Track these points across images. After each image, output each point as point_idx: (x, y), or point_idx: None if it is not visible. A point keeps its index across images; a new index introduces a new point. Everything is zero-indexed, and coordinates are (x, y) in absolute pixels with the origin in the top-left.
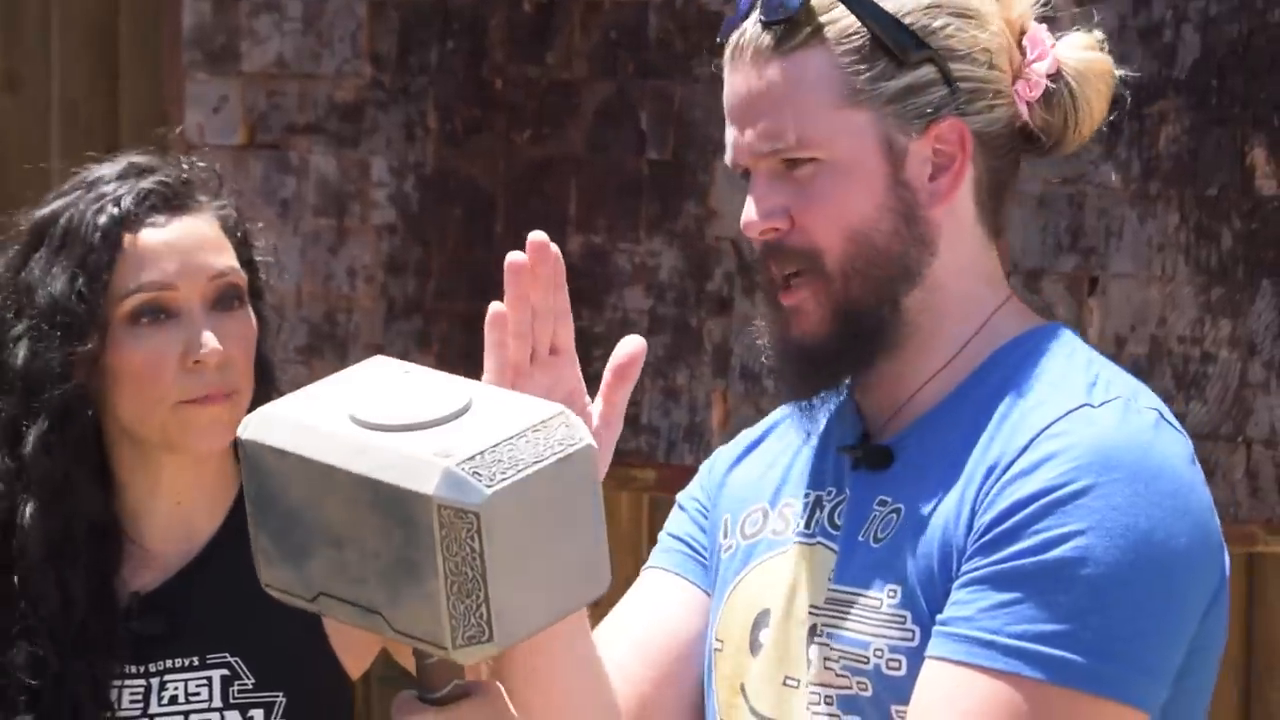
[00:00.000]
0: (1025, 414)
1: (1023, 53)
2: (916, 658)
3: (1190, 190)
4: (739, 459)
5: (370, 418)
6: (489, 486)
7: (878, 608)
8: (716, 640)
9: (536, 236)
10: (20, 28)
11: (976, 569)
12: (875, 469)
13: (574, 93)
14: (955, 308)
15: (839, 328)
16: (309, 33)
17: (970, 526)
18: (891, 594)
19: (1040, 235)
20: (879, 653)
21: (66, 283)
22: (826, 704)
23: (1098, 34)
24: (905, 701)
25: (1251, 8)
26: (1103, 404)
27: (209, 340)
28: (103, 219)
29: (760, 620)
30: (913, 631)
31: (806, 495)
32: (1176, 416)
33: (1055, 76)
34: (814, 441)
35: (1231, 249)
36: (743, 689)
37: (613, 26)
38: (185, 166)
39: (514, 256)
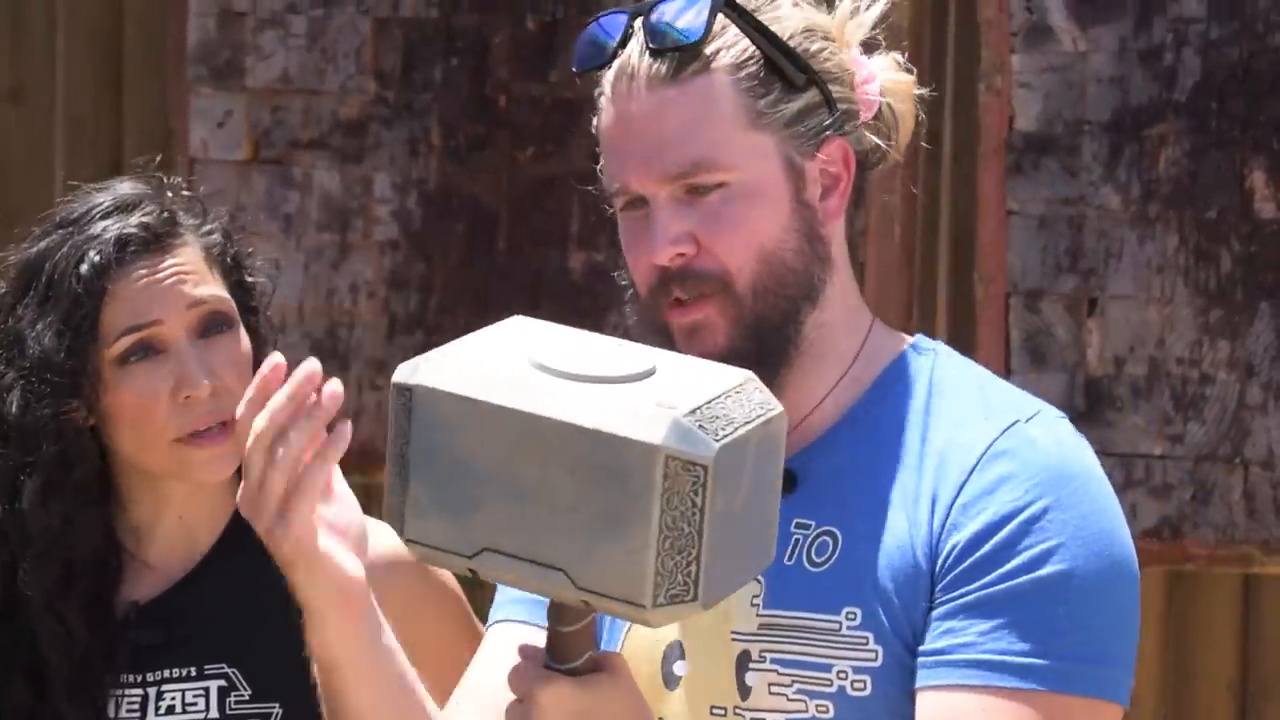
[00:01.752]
0: (953, 434)
1: None
2: (881, 677)
3: (1190, 212)
4: None
5: (560, 366)
6: (716, 440)
7: (836, 630)
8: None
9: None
10: (25, 40)
11: (964, 595)
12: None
13: (577, 110)
14: (842, 324)
15: (744, 345)
16: (313, 49)
17: (933, 551)
18: (851, 616)
19: (1040, 256)
20: (842, 674)
21: (54, 339)
22: None
23: (896, 55)
24: None
25: (1252, 31)
26: (1030, 419)
27: (199, 378)
28: (84, 268)
29: (670, 653)
30: (876, 652)
31: None
32: (1175, 437)
33: (880, 97)
34: None
35: (1230, 271)
36: None
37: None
38: (169, 195)
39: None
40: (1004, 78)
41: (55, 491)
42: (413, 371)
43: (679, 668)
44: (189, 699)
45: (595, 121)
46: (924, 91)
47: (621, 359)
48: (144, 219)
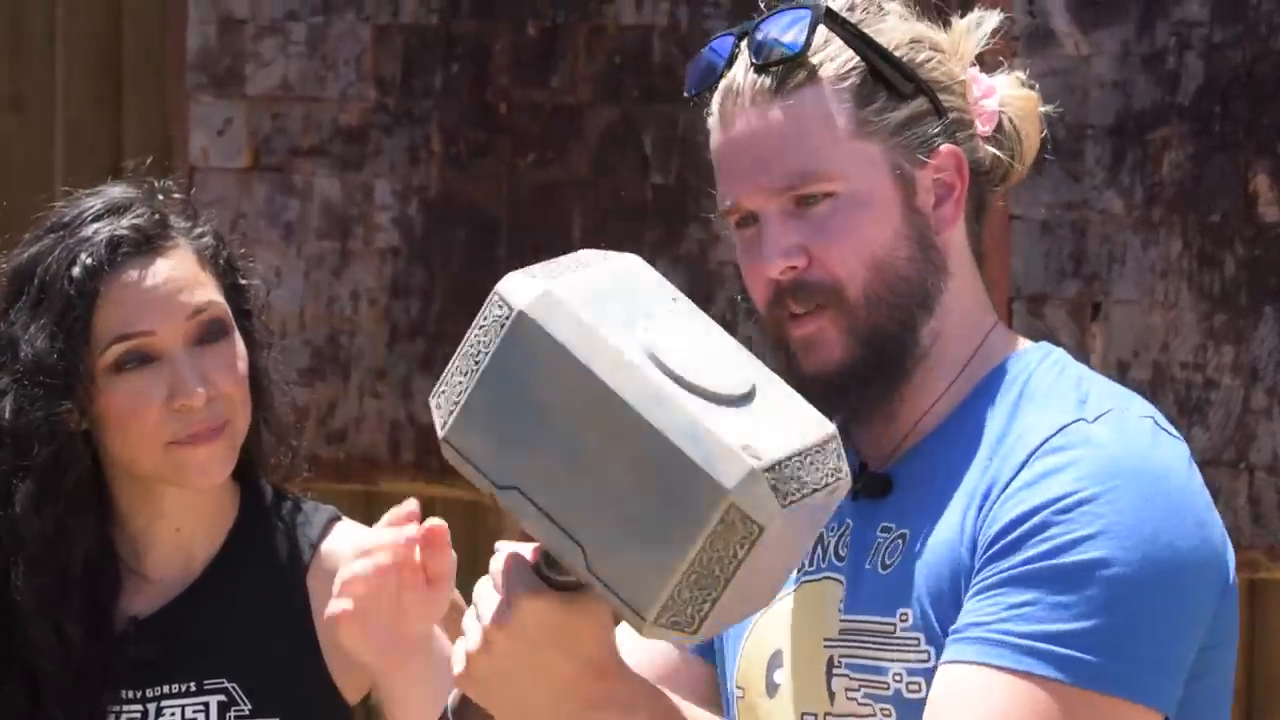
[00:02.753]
0: (1021, 434)
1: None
2: (933, 678)
3: (1193, 217)
4: None
5: (668, 363)
6: (783, 504)
7: (892, 633)
8: (737, 688)
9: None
10: (24, 48)
11: (987, 578)
12: (875, 497)
13: (578, 117)
14: (958, 333)
15: (863, 355)
16: (314, 56)
17: (974, 544)
18: (904, 617)
19: (1043, 261)
20: (898, 677)
21: (47, 341)
22: None
23: (1020, 73)
24: None
25: (1255, 34)
26: (1097, 418)
27: (193, 386)
28: (76, 271)
29: (773, 661)
30: (927, 653)
31: None
32: None
33: (1001, 112)
34: None
35: (1234, 276)
36: None
37: (617, 51)
38: (161, 198)
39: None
40: None
41: (48, 496)
42: (524, 294)
43: (778, 675)
44: (189, 714)
45: (709, 145)
46: (1049, 109)
47: (728, 371)
48: (135, 221)
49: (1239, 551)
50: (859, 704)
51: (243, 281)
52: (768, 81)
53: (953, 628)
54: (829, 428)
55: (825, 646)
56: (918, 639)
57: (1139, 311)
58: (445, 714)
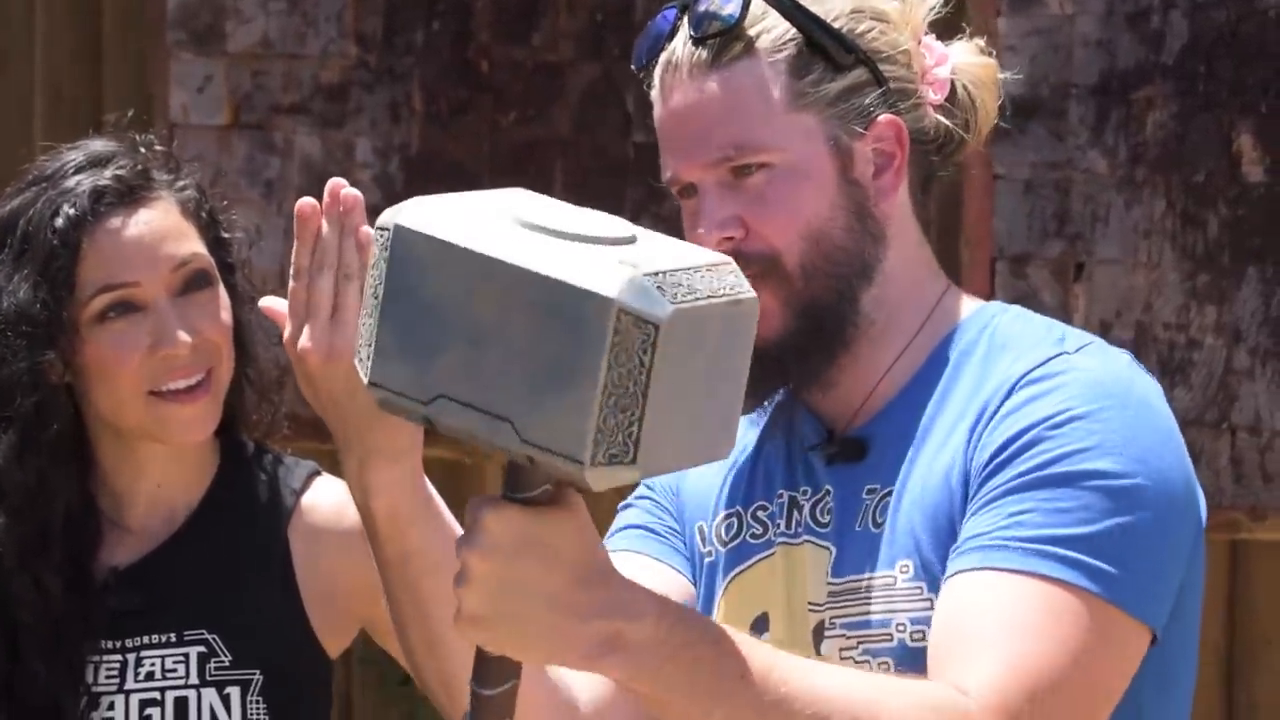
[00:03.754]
0: (1001, 374)
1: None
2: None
3: (1177, 177)
4: (686, 470)
5: (539, 222)
6: (673, 303)
7: (892, 585)
8: None
9: (336, 182)
10: (3, 7)
11: (983, 497)
12: (851, 461)
13: (560, 75)
14: (906, 300)
15: (801, 325)
16: (294, 13)
17: (966, 476)
18: (904, 569)
19: (1026, 221)
20: (901, 627)
21: (30, 291)
22: None
23: (979, 41)
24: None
25: None
26: (1078, 349)
27: (176, 335)
28: (59, 221)
29: (758, 624)
30: (930, 600)
31: (779, 496)
32: None
33: (952, 81)
34: (772, 445)
35: (1218, 236)
36: None
37: (599, 9)
38: (143, 151)
39: (305, 201)
40: (990, 41)
41: (30, 447)
42: (395, 213)
43: (764, 639)
44: (169, 665)
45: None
46: (1008, 75)
47: (607, 225)
48: (118, 172)
49: (1220, 512)
50: (855, 661)
51: (225, 235)
52: (704, 54)
53: (953, 547)
54: (720, 255)
55: (810, 611)
56: (920, 588)
57: (1122, 271)
58: (473, 693)
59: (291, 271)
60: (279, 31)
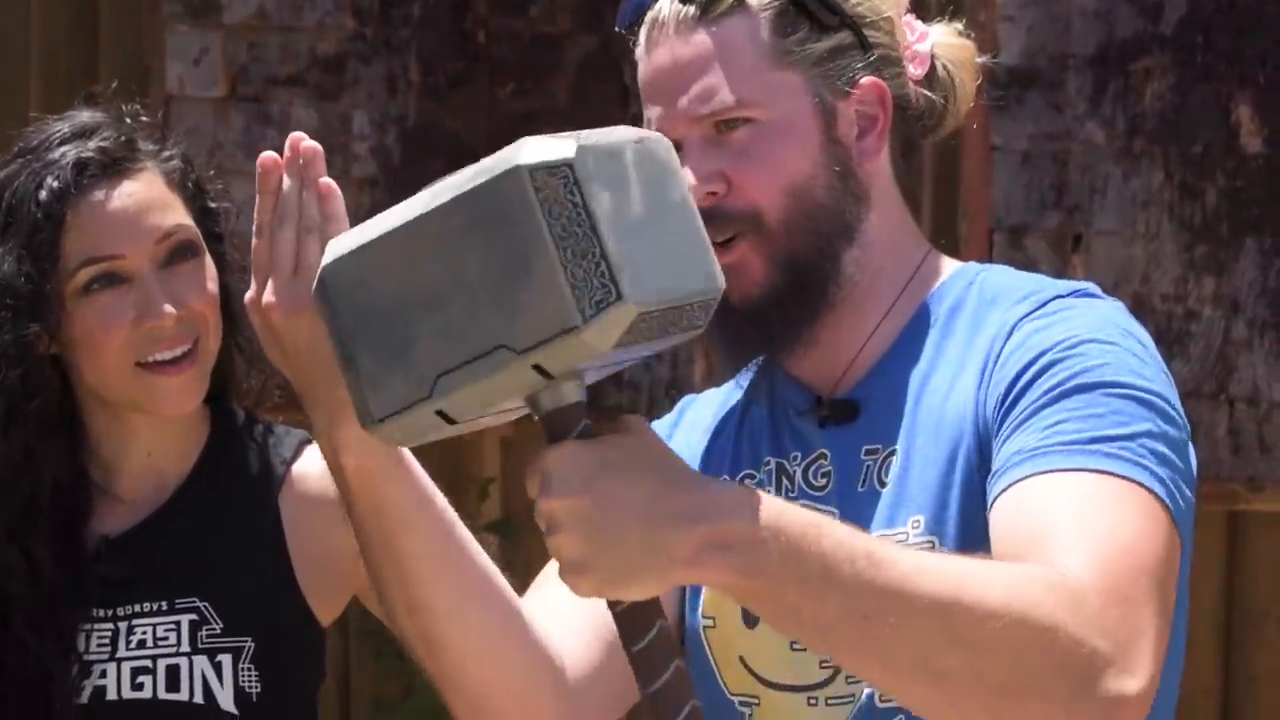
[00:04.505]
0: (998, 318)
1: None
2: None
3: (1175, 148)
4: (668, 437)
5: (435, 186)
6: (577, 141)
7: (904, 541)
8: (705, 617)
9: (295, 135)
10: None
11: (1011, 424)
12: (845, 423)
13: (557, 46)
14: (888, 262)
15: (782, 281)
16: None
17: (980, 421)
18: (915, 524)
19: (1024, 192)
20: None
21: (14, 264)
22: None
23: (957, 24)
24: None
25: None
26: (1070, 293)
27: (161, 306)
28: (43, 194)
29: None
30: (934, 545)
31: (766, 463)
32: None
33: (932, 59)
34: (755, 413)
35: (1216, 207)
36: (743, 661)
37: None
38: (128, 122)
39: (267, 154)
40: (988, 11)
41: (17, 420)
42: (322, 263)
43: None
44: (160, 633)
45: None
46: (985, 60)
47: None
48: (101, 144)
49: (1218, 483)
50: None
51: (212, 204)
52: (691, 10)
53: (991, 473)
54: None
55: None
56: (932, 542)
57: (1120, 243)
58: (632, 659)
59: (254, 228)
60: (275, 3)
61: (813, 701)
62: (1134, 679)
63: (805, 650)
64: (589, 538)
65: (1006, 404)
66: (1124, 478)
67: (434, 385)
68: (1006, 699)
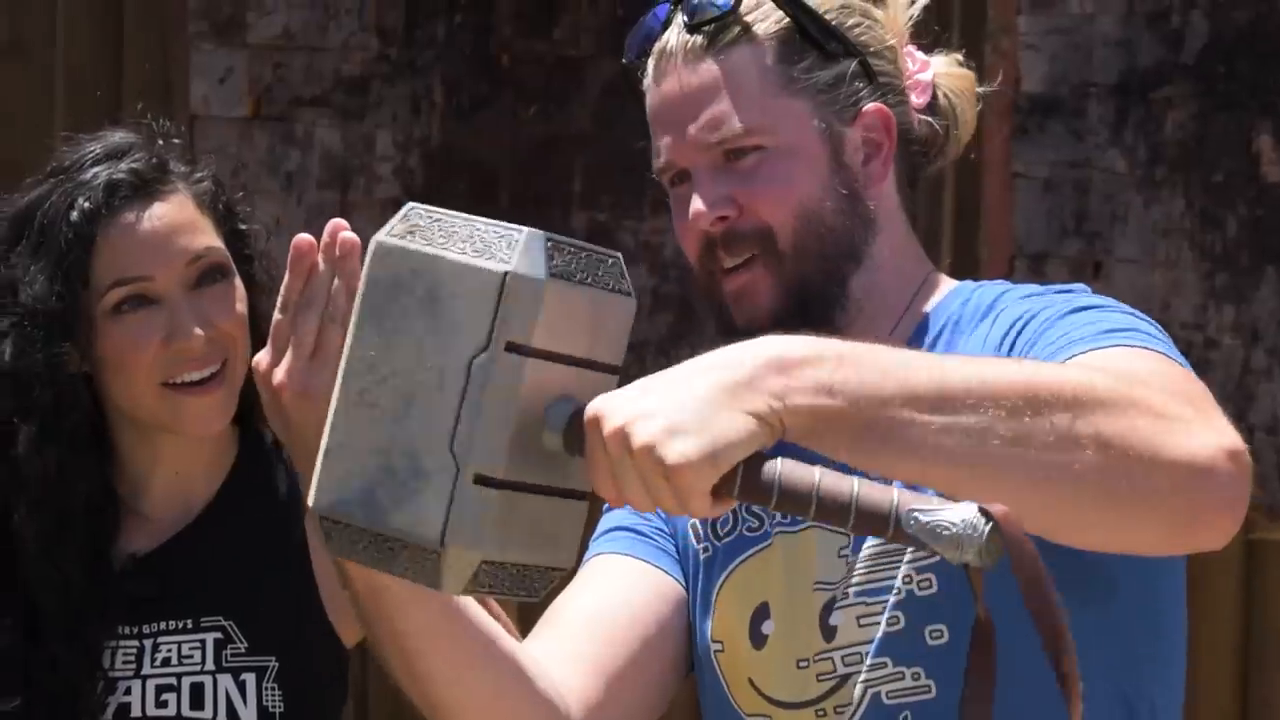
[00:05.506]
0: (986, 327)
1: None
2: (943, 570)
3: (1196, 176)
4: None
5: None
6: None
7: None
8: (714, 642)
9: (336, 222)
10: None
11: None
12: None
13: (581, 69)
14: (891, 286)
15: (790, 305)
16: (316, 5)
17: None
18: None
19: (1045, 219)
20: (908, 578)
21: (46, 284)
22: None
23: (957, 55)
24: (937, 621)
25: None
26: (1058, 291)
27: (191, 328)
28: (74, 215)
29: (759, 613)
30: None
31: None
32: None
33: (934, 88)
34: None
35: (1236, 236)
36: (751, 683)
37: (620, 3)
38: (160, 144)
39: (303, 237)
40: (1010, 39)
41: (49, 438)
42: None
43: (766, 627)
44: (185, 651)
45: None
46: (986, 90)
47: None
48: (133, 165)
49: None
50: (860, 625)
51: (242, 226)
52: (699, 40)
53: None
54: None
55: (819, 590)
56: None
57: (1140, 270)
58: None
59: (279, 302)
60: (300, 23)
61: (821, 714)
62: (1226, 434)
63: (806, 668)
64: (668, 418)
65: (1007, 340)
66: (1145, 348)
67: (466, 464)
68: (1115, 470)
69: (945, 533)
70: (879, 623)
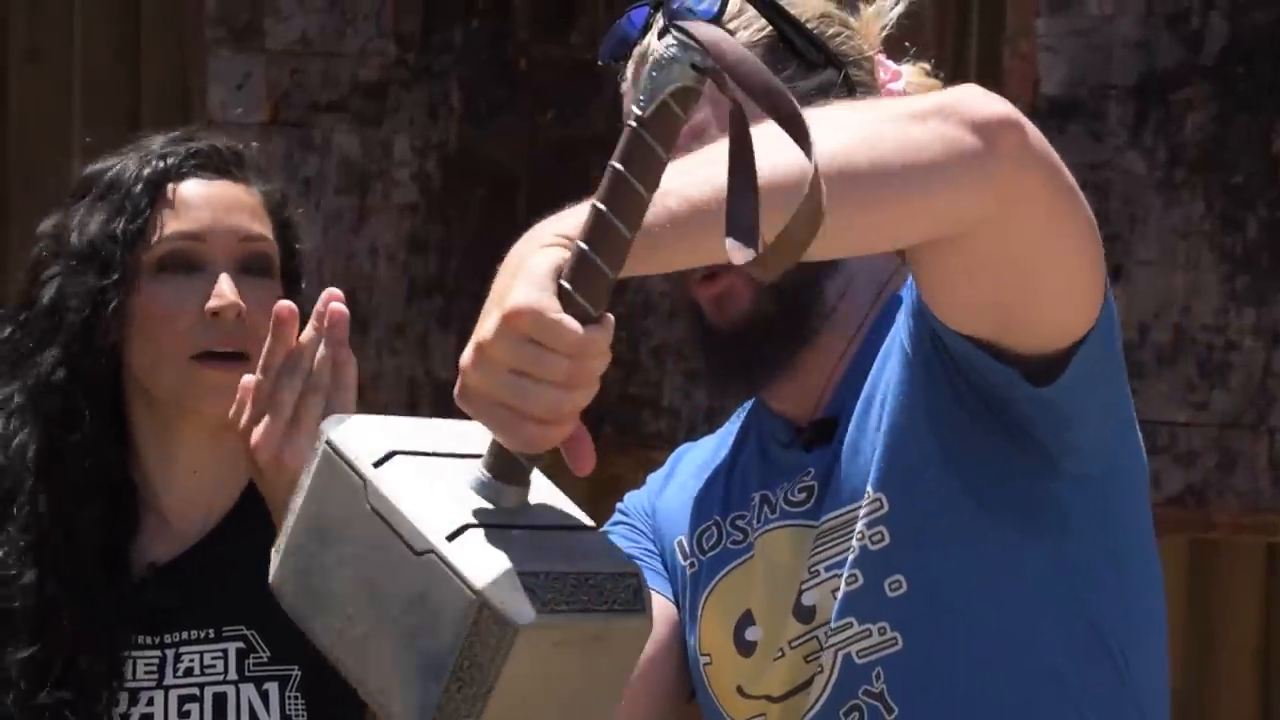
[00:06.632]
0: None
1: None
2: (891, 522)
3: (1216, 178)
4: (661, 490)
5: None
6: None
7: (860, 506)
8: (703, 655)
9: (331, 291)
10: (41, 1)
11: None
12: (827, 441)
13: (598, 73)
14: (866, 289)
15: (767, 310)
16: (333, 10)
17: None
18: (865, 494)
19: None
20: (860, 535)
21: (102, 224)
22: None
23: (925, 64)
24: (894, 572)
25: None
26: None
27: (227, 292)
28: (147, 170)
29: (743, 621)
30: (879, 500)
31: (753, 498)
32: (1200, 405)
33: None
34: (747, 452)
35: (1256, 237)
36: (740, 690)
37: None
38: (241, 146)
39: (284, 305)
40: (1029, 41)
41: (71, 365)
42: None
43: (751, 633)
44: (207, 661)
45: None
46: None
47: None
48: (214, 144)
49: (1258, 514)
50: (832, 592)
51: (297, 246)
52: None
53: None
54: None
55: (799, 582)
56: (878, 498)
57: (1160, 273)
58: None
59: (260, 364)
60: (318, 29)
61: (809, 694)
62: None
63: (781, 658)
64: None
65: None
66: None
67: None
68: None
69: (656, 73)
70: (838, 575)
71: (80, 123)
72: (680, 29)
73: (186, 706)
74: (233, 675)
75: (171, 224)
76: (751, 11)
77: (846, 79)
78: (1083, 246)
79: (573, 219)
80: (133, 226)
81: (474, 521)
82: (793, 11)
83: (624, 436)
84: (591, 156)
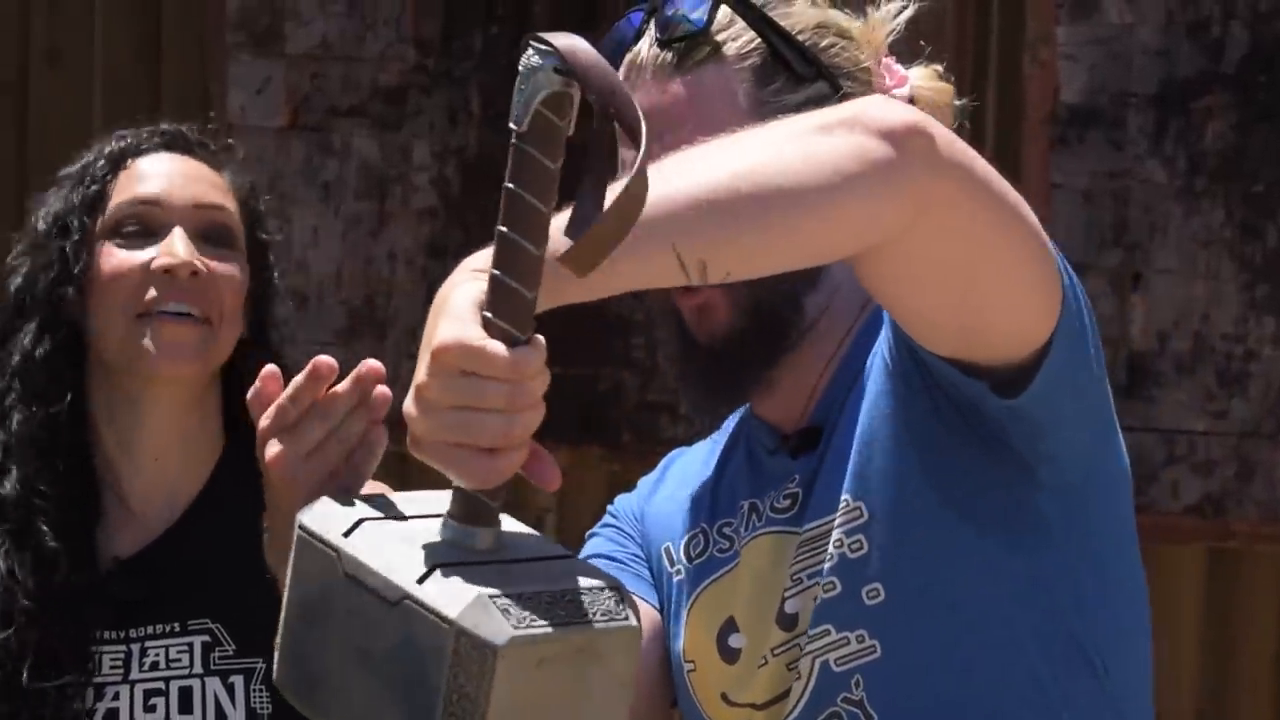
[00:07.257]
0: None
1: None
2: (870, 531)
3: (1236, 186)
4: (651, 494)
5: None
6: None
7: (836, 516)
8: (686, 661)
9: (370, 363)
10: (64, 2)
11: None
12: (811, 449)
13: None
14: (846, 303)
15: (746, 325)
16: (353, 15)
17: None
18: (845, 502)
19: (1084, 230)
20: (838, 543)
21: (64, 198)
22: (803, 639)
23: (937, 66)
24: (872, 581)
25: None
26: None
27: (180, 249)
28: (108, 149)
29: (726, 629)
30: (859, 509)
31: (740, 507)
32: (1219, 413)
33: (911, 102)
34: (734, 461)
35: (1277, 246)
36: (725, 697)
37: None
38: (214, 142)
39: (324, 360)
40: (1049, 49)
41: (52, 338)
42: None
43: (735, 640)
44: (173, 655)
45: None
46: (965, 103)
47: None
48: (180, 129)
49: (1277, 523)
50: (815, 596)
51: (263, 236)
52: (669, 56)
53: None
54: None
55: (777, 592)
56: (858, 507)
57: (1180, 281)
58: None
59: (290, 391)
60: (338, 34)
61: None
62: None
63: (764, 665)
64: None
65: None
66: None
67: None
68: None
69: (524, 85)
70: (817, 583)
71: (100, 124)
72: (539, 38)
73: (152, 700)
74: (199, 669)
75: (128, 189)
76: (742, 23)
77: (839, 91)
78: (1024, 253)
79: (485, 252)
80: (90, 192)
81: (443, 561)
82: (786, 22)
83: (642, 443)
84: (605, 159)
